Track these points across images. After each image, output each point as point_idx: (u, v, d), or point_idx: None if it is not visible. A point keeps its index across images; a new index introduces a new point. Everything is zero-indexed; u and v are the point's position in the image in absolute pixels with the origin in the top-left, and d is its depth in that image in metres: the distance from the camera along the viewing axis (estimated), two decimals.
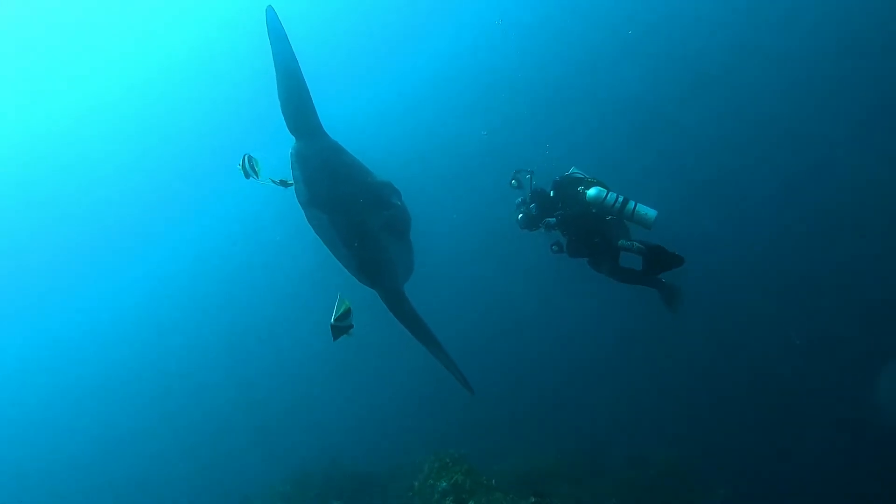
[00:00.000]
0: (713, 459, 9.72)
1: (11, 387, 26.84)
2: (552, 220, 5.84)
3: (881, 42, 18.98)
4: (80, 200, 32.44)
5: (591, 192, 5.56)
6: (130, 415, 21.30)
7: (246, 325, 25.43)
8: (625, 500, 8.53)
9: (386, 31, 28.84)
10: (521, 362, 14.73)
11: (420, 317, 4.66)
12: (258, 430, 16.95)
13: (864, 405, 10.54)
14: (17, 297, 31.75)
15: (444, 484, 7.52)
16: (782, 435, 10.19)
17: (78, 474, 17.64)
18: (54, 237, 32.45)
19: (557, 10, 25.30)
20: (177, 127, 32.06)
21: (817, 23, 20.74)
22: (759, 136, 20.83)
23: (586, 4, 24.65)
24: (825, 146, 19.05)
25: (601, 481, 8.98)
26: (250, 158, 4.33)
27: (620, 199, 5.50)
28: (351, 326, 3.89)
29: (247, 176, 4.28)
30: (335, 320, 3.78)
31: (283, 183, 4.58)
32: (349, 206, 4.50)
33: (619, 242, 5.60)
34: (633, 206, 5.45)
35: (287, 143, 4.90)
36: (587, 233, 5.74)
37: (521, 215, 6.02)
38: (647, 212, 5.44)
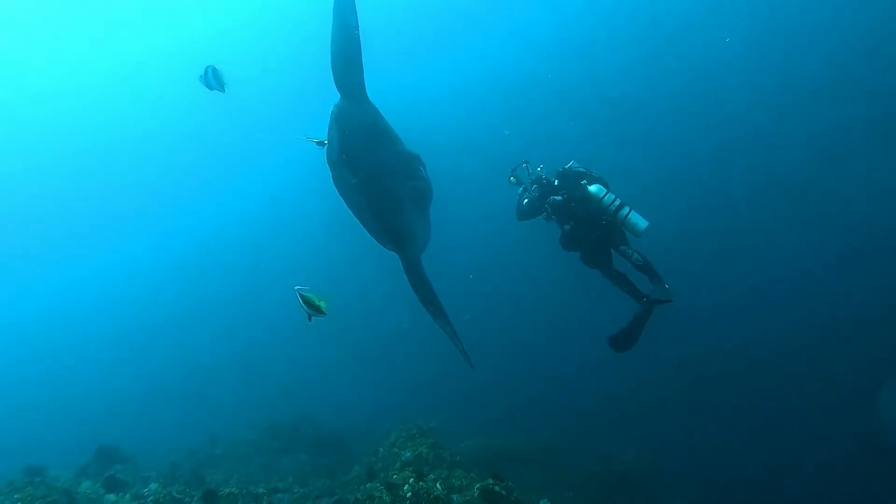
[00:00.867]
0: (679, 466, 9.82)
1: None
2: (558, 197, 5.84)
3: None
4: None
5: (593, 188, 5.66)
6: (140, 352, 23.56)
7: (246, 287, 26.80)
8: (584, 493, 8.61)
9: (437, 27, 28.87)
10: (510, 348, 14.79)
11: (432, 288, 4.69)
12: (239, 380, 17.40)
13: (837, 416, 10.76)
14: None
15: (408, 454, 7.55)
16: (753, 452, 10.30)
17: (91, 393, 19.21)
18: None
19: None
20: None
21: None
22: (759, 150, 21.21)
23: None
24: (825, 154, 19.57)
25: (565, 472, 9.01)
26: (214, 70, 4.21)
27: (618, 201, 5.61)
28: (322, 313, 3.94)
29: (210, 88, 4.16)
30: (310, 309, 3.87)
31: (320, 143, 4.57)
32: (382, 171, 4.49)
33: (622, 248, 5.73)
34: (627, 212, 5.57)
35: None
36: (588, 218, 5.73)
37: (525, 200, 6.03)
38: (639, 221, 5.57)
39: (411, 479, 5.53)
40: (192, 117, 32.65)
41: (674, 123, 23.92)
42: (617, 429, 11.19)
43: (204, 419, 13.12)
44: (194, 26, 30.31)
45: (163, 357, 22.66)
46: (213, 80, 4.28)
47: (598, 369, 13.07)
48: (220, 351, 22.36)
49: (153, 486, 6.47)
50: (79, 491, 6.23)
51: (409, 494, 5.31)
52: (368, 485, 6.10)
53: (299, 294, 3.91)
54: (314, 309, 3.82)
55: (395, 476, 5.86)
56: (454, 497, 6.10)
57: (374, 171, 4.43)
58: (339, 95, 4.50)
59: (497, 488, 5.66)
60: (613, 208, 5.58)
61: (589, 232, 5.74)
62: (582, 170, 5.97)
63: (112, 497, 6.02)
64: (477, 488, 5.68)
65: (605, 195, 5.62)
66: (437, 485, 5.89)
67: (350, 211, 4.63)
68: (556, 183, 5.95)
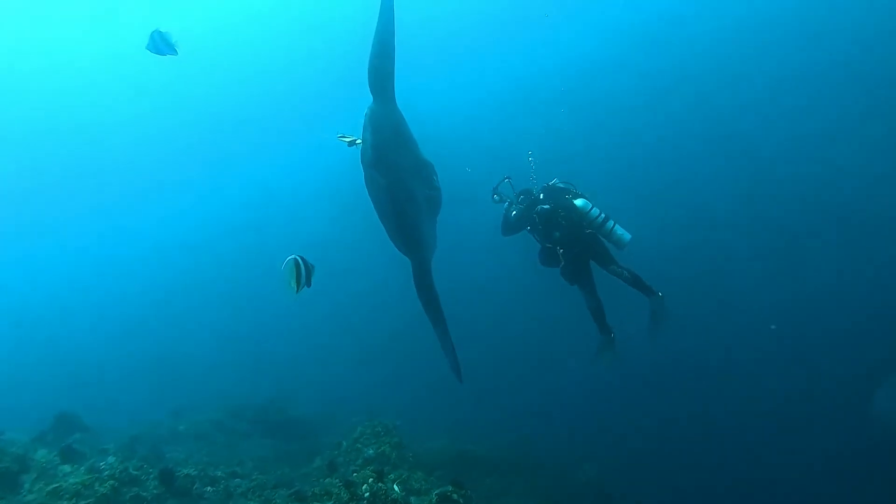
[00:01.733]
0: (641, 486, 9.89)
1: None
2: (546, 206, 5.94)
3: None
4: None
5: (579, 201, 5.88)
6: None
7: (237, 271, 27.01)
8: (545, 502, 8.66)
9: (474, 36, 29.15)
10: (487, 353, 14.81)
11: (437, 296, 4.71)
12: (214, 359, 17.40)
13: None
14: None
15: (371, 451, 7.55)
16: (723, 466, 10.40)
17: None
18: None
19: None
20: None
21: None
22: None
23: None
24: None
25: (528, 480, 9.05)
26: (161, 34, 4.15)
27: (603, 215, 5.87)
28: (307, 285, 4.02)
29: (161, 54, 4.11)
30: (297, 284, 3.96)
31: (352, 142, 4.66)
32: (407, 175, 4.56)
33: (611, 267, 5.94)
34: (612, 225, 5.86)
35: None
36: (573, 229, 5.81)
37: (514, 212, 6.07)
38: (623, 234, 5.87)
39: (371, 479, 5.52)
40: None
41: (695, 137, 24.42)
42: (584, 439, 11.25)
43: (173, 394, 13.03)
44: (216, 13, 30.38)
45: (141, 330, 22.66)
46: (161, 44, 4.22)
47: (571, 379, 13.18)
48: (200, 329, 22.38)
49: (110, 459, 6.39)
50: (34, 458, 6.14)
51: (366, 494, 5.30)
52: (327, 480, 6.07)
53: (297, 260, 3.92)
54: (302, 279, 3.85)
55: (355, 474, 5.85)
56: (412, 500, 6.11)
57: (400, 174, 4.49)
58: (370, 97, 4.58)
59: (455, 496, 5.66)
60: (599, 221, 5.83)
61: (573, 244, 5.83)
62: (564, 186, 6.14)
63: (67, 468, 5.95)
64: (435, 494, 5.68)
65: (591, 208, 5.85)
66: (396, 486, 5.89)
67: (375, 211, 4.70)
68: (541, 196, 6.07)
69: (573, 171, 6.61)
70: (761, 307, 16.89)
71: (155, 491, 5.72)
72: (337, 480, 5.72)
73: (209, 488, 6.22)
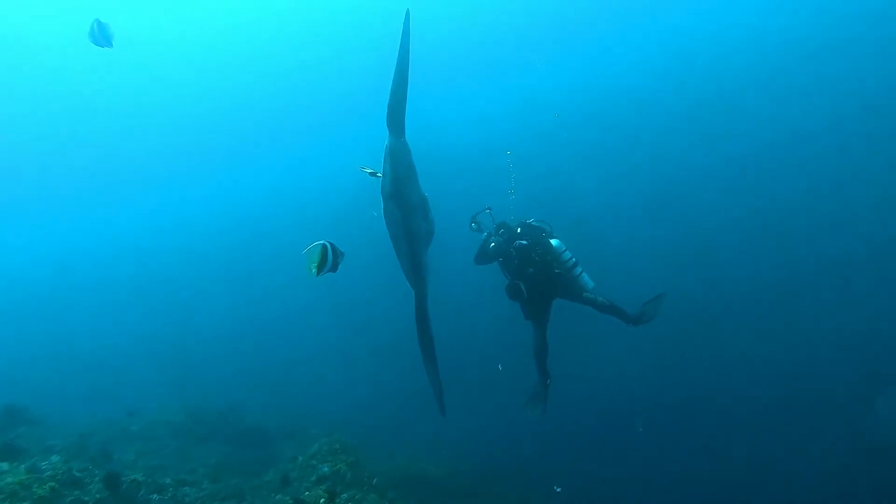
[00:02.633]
0: None
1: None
2: (524, 241, 6.00)
3: None
4: None
5: (554, 241, 5.99)
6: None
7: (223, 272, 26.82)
8: None
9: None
10: (456, 373, 14.72)
11: (431, 330, 4.84)
12: (178, 360, 17.10)
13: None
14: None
15: (327, 469, 7.39)
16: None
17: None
18: None
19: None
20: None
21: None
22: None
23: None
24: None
25: None
26: (100, 24, 4.15)
27: (574, 259, 6.03)
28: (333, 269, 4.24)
29: (99, 45, 4.10)
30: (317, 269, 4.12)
31: (373, 174, 4.82)
32: (415, 208, 4.75)
33: (584, 295, 6.02)
34: (579, 272, 6.05)
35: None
36: (544, 268, 5.87)
37: (493, 244, 6.10)
38: (588, 281, 6.08)
39: (322, 500, 5.41)
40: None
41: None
42: (548, 469, 11.16)
43: (131, 394, 12.70)
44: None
45: (113, 325, 22.31)
46: (99, 35, 4.22)
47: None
48: (173, 328, 22.10)
49: (54, 458, 6.19)
50: None
51: None
52: (278, 496, 5.92)
53: (325, 246, 4.11)
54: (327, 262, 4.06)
55: (307, 492, 5.72)
56: None
57: (411, 207, 4.70)
58: (386, 130, 4.76)
59: None
60: (569, 265, 5.96)
61: (542, 282, 5.90)
62: (539, 224, 6.25)
63: (5, 465, 5.71)
64: None
65: (564, 250, 5.98)
66: None
67: (391, 241, 4.84)
68: (518, 231, 6.12)
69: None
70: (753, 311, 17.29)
71: (98, 496, 5.50)
72: (288, 498, 5.59)
73: (155, 496, 6.02)
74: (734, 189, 23.79)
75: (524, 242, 5.98)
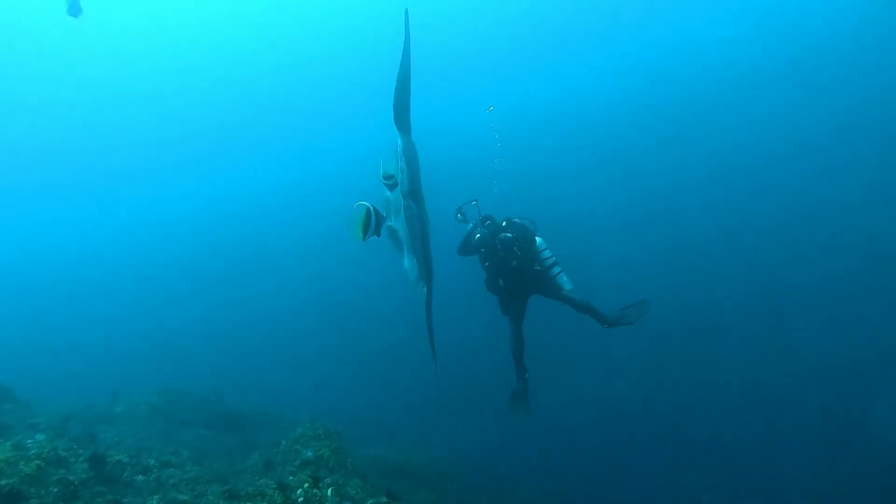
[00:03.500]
0: None
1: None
2: (509, 234, 6.11)
3: None
4: None
5: (538, 239, 6.14)
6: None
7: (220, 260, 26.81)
8: None
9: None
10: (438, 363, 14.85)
11: (432, 325, 4.91)
12: (162, 349, 17.11)
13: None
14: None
15: (310, 453, 7.50)
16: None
17: None
18: None
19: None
20: None
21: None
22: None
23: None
24: None
25: (459, 500, 9.12)
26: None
27: (554, 258, 6.14)
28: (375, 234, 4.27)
29: (73, 15, 4.23)
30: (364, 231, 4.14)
31: (393, 185, 4.83)
32: (424, 205, 4.85)
33: (563, 294, 6.08)
34: (558, 271, 6.12)
35: None
36: (525, 263, 5.98)
37: (478, 235, 6.19)
38: (566, 282, 6.12)
39: (306, 484, 5.53)
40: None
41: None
42: (519, 463, 11.38)
43: (116, 377, 12.70)
44: None
45: (100, 311, 22.26)
46: (73, 5, 4.41)
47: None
48: (160, 313, 22.10)
49: (39, 436, 6.23)
50: None
51: (300, 499, 5.31)
52: (262, 480, 6.04)
53: (369, 209, 4.15)
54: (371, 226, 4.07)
55: (291, 477, 5.84)
56: None
57: (423, 204, 4.82)
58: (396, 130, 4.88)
59: None
60: (548, 263, 6.08)
61: (521, 278, 6.03)
62: (521, 221, 6.35)
63: None
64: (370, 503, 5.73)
65: (545, 249, 6.13)
66: (329, 492, 5.90)
67: (409, 237, 4.90)
68: (504, 224, 6.25)
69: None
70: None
71: (83, 475, 5.57)
72: (272, 482, 5.70)
73: (140, 477, 6.10)
74: (724, 200, 24.11)
75: (509, 235, 6.11)
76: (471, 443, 11.67)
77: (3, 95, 30.56)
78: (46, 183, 33.72)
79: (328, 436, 7.88)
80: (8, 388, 8.18)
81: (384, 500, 5.92)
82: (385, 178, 4.73)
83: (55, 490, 5.11)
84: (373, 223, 4.23)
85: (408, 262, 4.81)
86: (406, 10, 4.57)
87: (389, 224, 4.79)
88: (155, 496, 5.64)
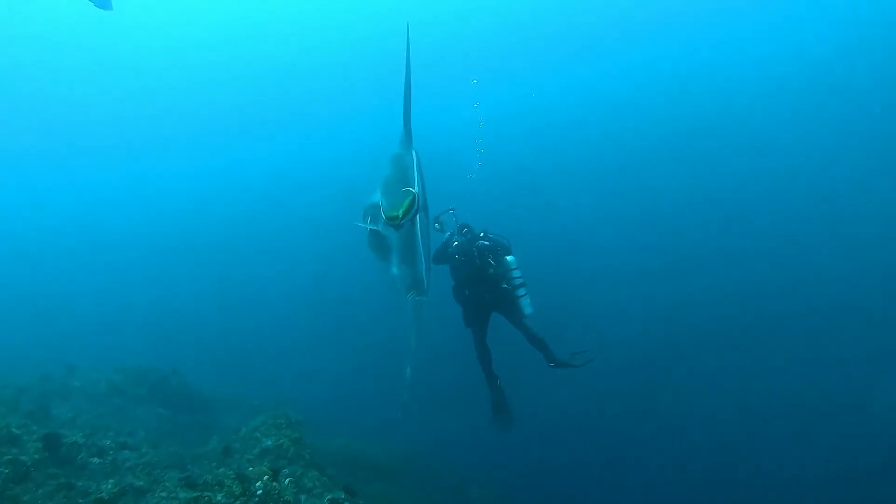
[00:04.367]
0: None
1: None
2: (486, 243, 6.21)
3: None
4: None
5: (510, 257, 6.19)
6: None
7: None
8: None
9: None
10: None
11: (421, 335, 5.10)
12: (123, 323, 16.80)
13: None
14: None
15: (270, 442, 7.51)
16: None
17: None
18: None
19: None
20: None
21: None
22: None
23: None
24: None
25: (414, 493, 9.24)
26: None
27: (521, 280, 6.18)
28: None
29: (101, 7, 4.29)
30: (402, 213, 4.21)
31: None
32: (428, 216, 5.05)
33: (523, 321, 6.14)
34: (523, 293, 6.15)
35: None
36: (496, 276, 6.04)
37: (455, 243, 6.25)
38: (527, 305, 6.16)
39: (266, 477, 5.54)
40: None
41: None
42: (476, 458, 11.55)
43: (73, 349, 12.41)
44: None
45: (63, 281, 21.71)
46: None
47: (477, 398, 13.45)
48: (124, 287, 21.68)
49: None
50: None
51: (259, 492, 5.32)
52: (221, 469, 6.02)
53: (416, 195, 4.24)
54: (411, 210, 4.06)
55: (250, 469, 5.83)
56: (303, 498, 6.18)
57: (428, 215, 5.06)
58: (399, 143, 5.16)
59: None
60: (516, 283, 6.12)
61: (489, 292, 6.08)
62: (497, 238, 6.42)
63: None
64: (327, 499, 5.78)
65: (515, 268, 6.17)
66: (287, 483, 5.93)
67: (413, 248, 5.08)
68: (481, 235, 6.35)
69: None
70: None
71: (36, 456, 5.48)
72: (231, 472, 5.69)
73: (96, 459, 6.03)
74: (717, 212, 24.60)
75: (486, 244, 6.19)
76: (431, 437, 11.78)
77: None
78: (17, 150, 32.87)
79: (289, 425, 7.89)
80: None
81: (342, 495, 5.97)
82: (389, 218, 4.66)
83: (6, 471, 5.04)
84: (413, 211, 4.27)
85: (399, 270, 4.84)
86: (408, 24, 4.60)
87: (377, 230, 4.80)
88: (110, 480, 5.58)
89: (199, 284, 22.17)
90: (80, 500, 5.02)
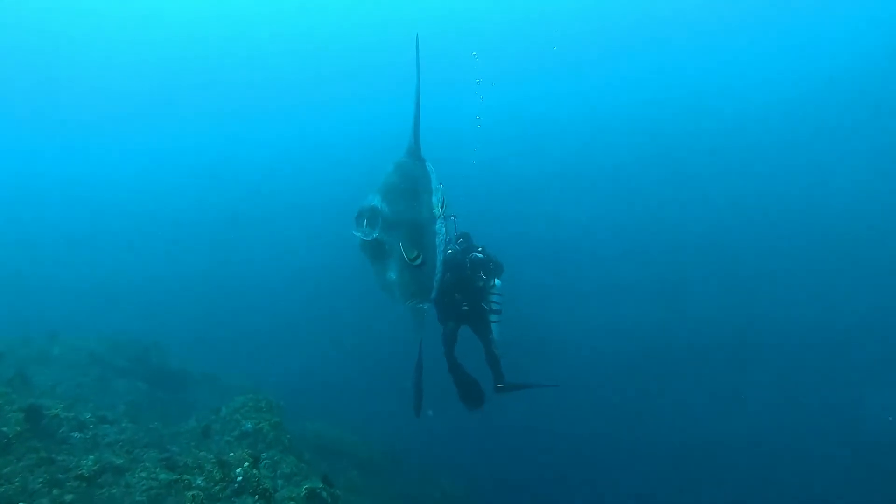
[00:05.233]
0: None
1: None
2: (480, 255, 6.24)
3: None
4: None
5: (497, 281, 6.27)
6: None
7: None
8: None
9: None
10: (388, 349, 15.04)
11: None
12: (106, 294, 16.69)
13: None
14: None
15: (249, 425, 7.56)
16: None
17: None
18: None
19: None
20: None
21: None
22: None
23: None
24: None
25: (385, 481, 9.37)
26: None
27: (498, 306, 6.24)
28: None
29: None
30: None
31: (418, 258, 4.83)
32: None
33: (490, 338, 6.12)
34: (496, 319, 6.21)
35: None
36: (481, 290, 6.11)
37: (450, 251, 6.28)
38: (494, 331, 6.16)
39: (246, 463, 5.60)
40: None
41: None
42: (449, 454, 11.70)
43: (56, 315, 12.31)
44: None
45: (53, 243, 21.46)
46: None
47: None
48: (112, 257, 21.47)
49: None
50: None
51: (239, 479, 5.39)
52: (202, 453, 6.07)
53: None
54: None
55: (231, 454, 5.89)
56: (280, 483, 6.28)
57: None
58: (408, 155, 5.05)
59: (324, 494, 5.88)
60: (493, 307, 6.16)
61: (470, 303, 6.11)
62: (486, 256, 6.35)
63: None
64: (305, 488, 5.86)
65: (498, 294, 6.23)
66: (265, 470, 6.01)
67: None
68: (479, 248, 6.35)
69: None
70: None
71: (17, 428, 5.47)
72: (211, 455, 5.75)
73: (76, 434, 6.04)
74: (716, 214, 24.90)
75: (480, 256, 6.21)
76: (405, 427, 11.91)
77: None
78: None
79: (270, 409, 7.94)
80: None
81: (320, 484, 6.06)
82: (411, 258, 4.70)
83: None
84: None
85: (399, 276, 4.82)
86: (417, 36, 4.60)
87: (376, 236, 4.80)
88: (90, 456, 5.59)
89: (188, 262, 22.03)
90: (61, 476, 5.04)
